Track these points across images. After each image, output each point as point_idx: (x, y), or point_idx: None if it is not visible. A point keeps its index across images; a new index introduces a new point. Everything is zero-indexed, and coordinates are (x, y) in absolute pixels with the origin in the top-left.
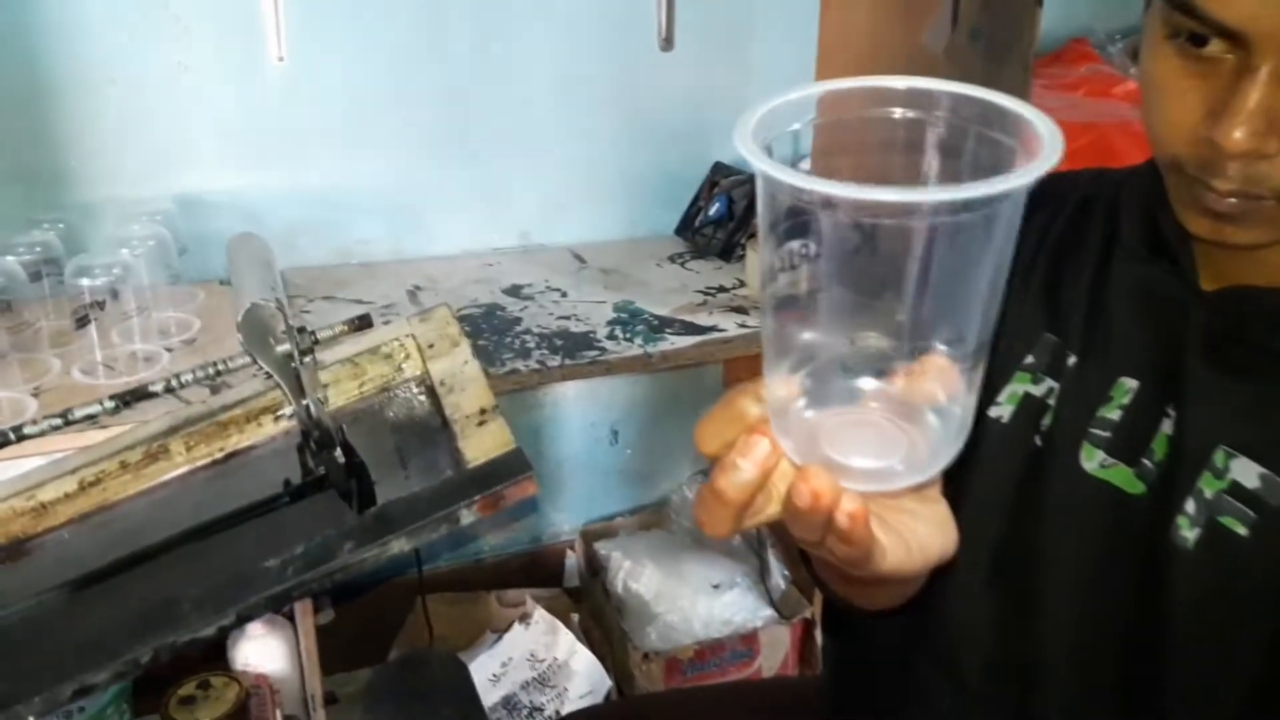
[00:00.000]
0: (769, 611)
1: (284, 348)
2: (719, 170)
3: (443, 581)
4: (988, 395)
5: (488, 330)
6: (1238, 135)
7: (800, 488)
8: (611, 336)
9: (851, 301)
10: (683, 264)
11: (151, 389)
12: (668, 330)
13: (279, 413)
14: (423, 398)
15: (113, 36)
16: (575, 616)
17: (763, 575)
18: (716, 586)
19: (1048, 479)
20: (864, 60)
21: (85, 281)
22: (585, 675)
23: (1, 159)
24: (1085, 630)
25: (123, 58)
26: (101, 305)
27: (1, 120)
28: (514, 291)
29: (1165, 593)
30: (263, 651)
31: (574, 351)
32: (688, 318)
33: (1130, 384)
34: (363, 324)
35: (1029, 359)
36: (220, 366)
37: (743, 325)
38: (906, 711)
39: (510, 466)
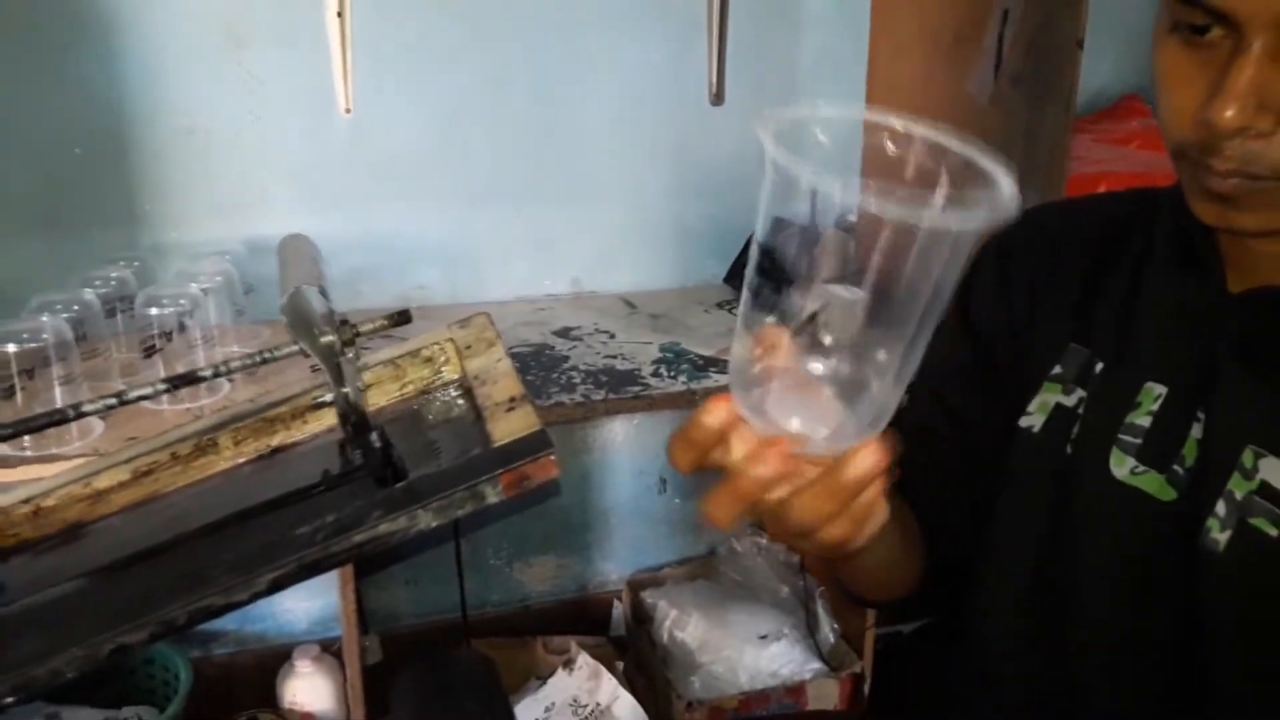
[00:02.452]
0: (818, 664)
1: (327, 338)
2: (772, 225)
3: (489, 626)
4: (1018, 406)
5: (535, 367)
6: (1229, 113)
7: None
8: (656, 374)
9: (812, 287)
10: (730, 309)
11: (200, 373)
12: (711, 369)
13: (318, 398)
14: (460, 400)
15: (190, 88)
16: (620, 665)
17: (811, 629)
18: (764, 637)
19: (1080, 488)
20: (911, 109)
21: (154, 312)
22: None
23: (82, 201)
24: (1124, 639)
25: (198, 108)
26: (169, 337)
27: (83, 165)
28: (564, 333)
29: (1200, 598)
30: (311, 689)
31: (619, 387)
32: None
33: (1159, 389)
34: (402, 319)
35: (1057, 369)
36: (266, 355)
37: None
38: None
39: (533, 445)
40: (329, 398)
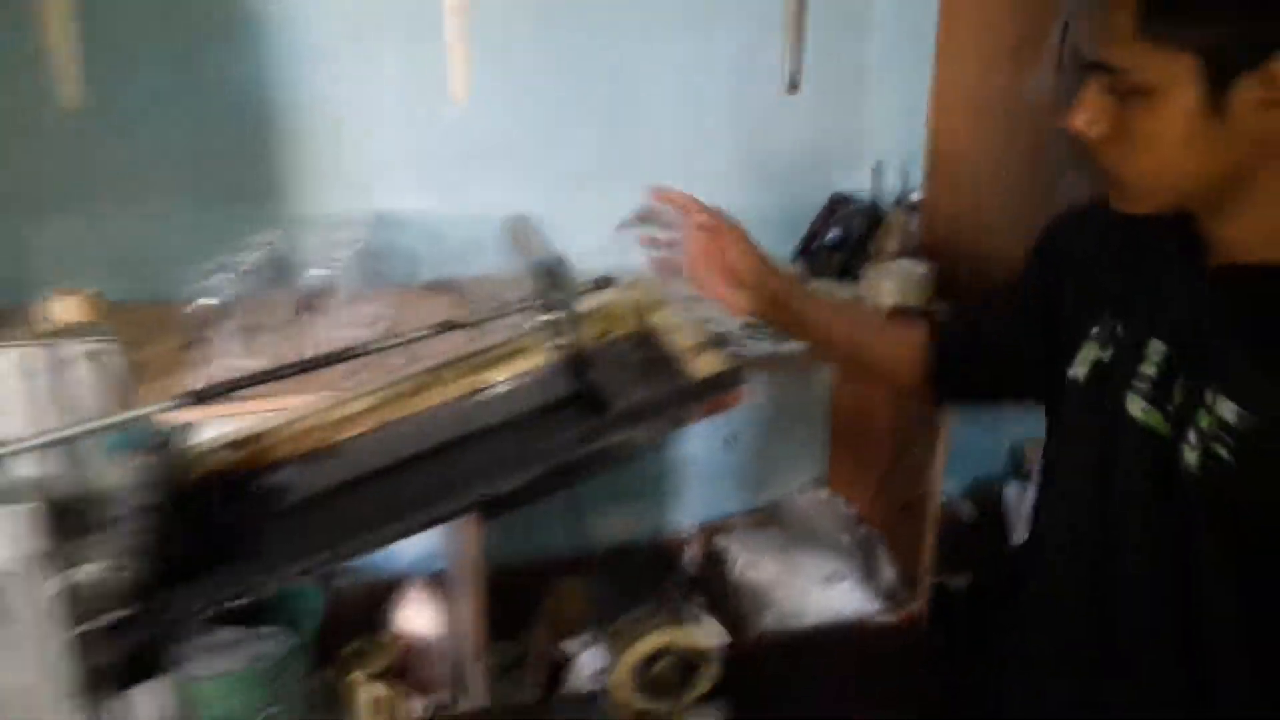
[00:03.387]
0: (878, 604)
1: (542, 258)
2: (837, 200)
3: (569, 568)
4: (1066, 359)
5: None
6: (1076, 121)
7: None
8: (750, 338)
9: None
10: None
11: (418, 334)
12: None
13: (521, 346)
14: (646, 347)
15: (323, 81)
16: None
17: (871, 572)
18: (828, 578)
19: (1110, 425)
20: (972, 104)
21: (304, 278)
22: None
23: (233, 179)
24: (1142, 543)
25: (332, 97)
26: (316, 299)
27: (234, 147)
28: None
29: (1181, 513)
30: (421, 616)
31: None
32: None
33: (1159, 345)
34: (602, 284)
35: (1095, 330)
36: (495, 312)
37: None
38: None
39: (731, 378)
40: (548, 343)
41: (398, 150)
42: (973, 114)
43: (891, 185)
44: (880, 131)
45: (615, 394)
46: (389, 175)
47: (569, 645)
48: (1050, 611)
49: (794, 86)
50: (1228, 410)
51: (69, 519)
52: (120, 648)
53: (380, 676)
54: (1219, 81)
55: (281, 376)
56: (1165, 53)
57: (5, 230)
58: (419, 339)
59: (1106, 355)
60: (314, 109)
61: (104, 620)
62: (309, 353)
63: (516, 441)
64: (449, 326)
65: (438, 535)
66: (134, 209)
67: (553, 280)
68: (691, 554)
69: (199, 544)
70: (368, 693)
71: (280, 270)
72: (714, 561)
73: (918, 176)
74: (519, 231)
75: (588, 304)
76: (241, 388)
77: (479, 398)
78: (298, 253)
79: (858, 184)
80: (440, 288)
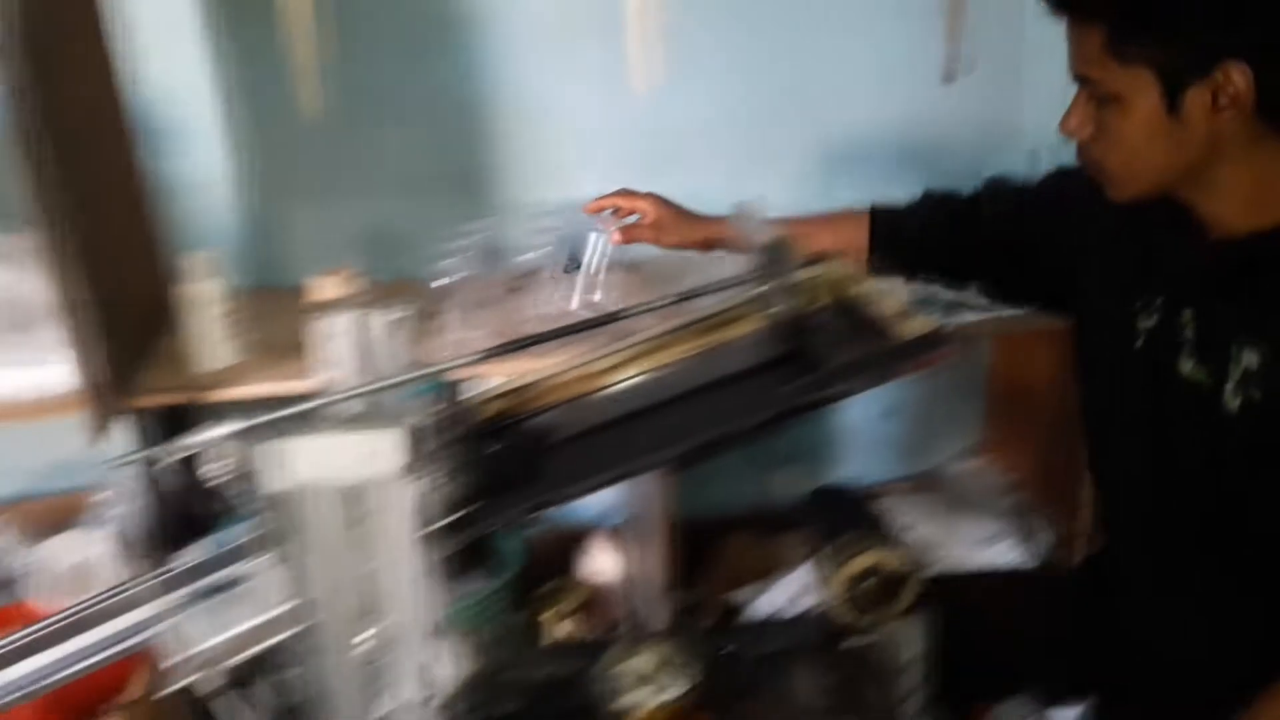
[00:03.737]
0: (1035, 565)
1: (768, 237)
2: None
3: (740, 523)
4: (1124, 331)
5: None
6: (1067, 125)
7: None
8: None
9: None
10: None
11: (666, 300)
12: (962, 308)
13: (741, 313)
14: (848, 314)
15: (526, 78)
16: None
17: (1029, 535)
18: (986, 540)
19: (1165, 382)
20: None
21: (512, 261)
22: None
23: (453, 171)
24: (1196, 491)
25: (534, 94)
26: (524, 281)
27: (453, 143)
28: None
29: (1228, 451)
30: (606, 563)
31: None
32: (972, 301)
33: (1190, 312)
34: (814, 260)
35: (1138, 303)
36: (737, 280)
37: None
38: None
39: (938, 338)
40: (767, 287)
41: (591, 141)
42: None
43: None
44: (1035, 119)
45: (826, 353)
46: (584, 165)
47: (741, 594)
48: (1118, 550)
49: (950, 77)
50: (1250, 358)
51: (419, 443)
52: (455, 543)
53: (570, 616)
54: (1173, 90)
55: (556, 338)
56: (1129, 68)
57: (268, 219)
58: (667, 305)
59: (1152, 323)
60: (519, 105)
61: (445, 521)
62: (521, 328)
63: (745, 391)
64: (690, 295)
65: (622, 490)
66: (372, 199)
67: (775, 255)
68: None
69: (495, 471)
70: (559, 631)
71: (493, 253)
72: None
73: (1069, 161)
74: (745, 214)
75: (799, 276)
76: (526, 347)
77: (709, 356)
78: (507, 238)
79: (1012, 169)
80: (628, 268)
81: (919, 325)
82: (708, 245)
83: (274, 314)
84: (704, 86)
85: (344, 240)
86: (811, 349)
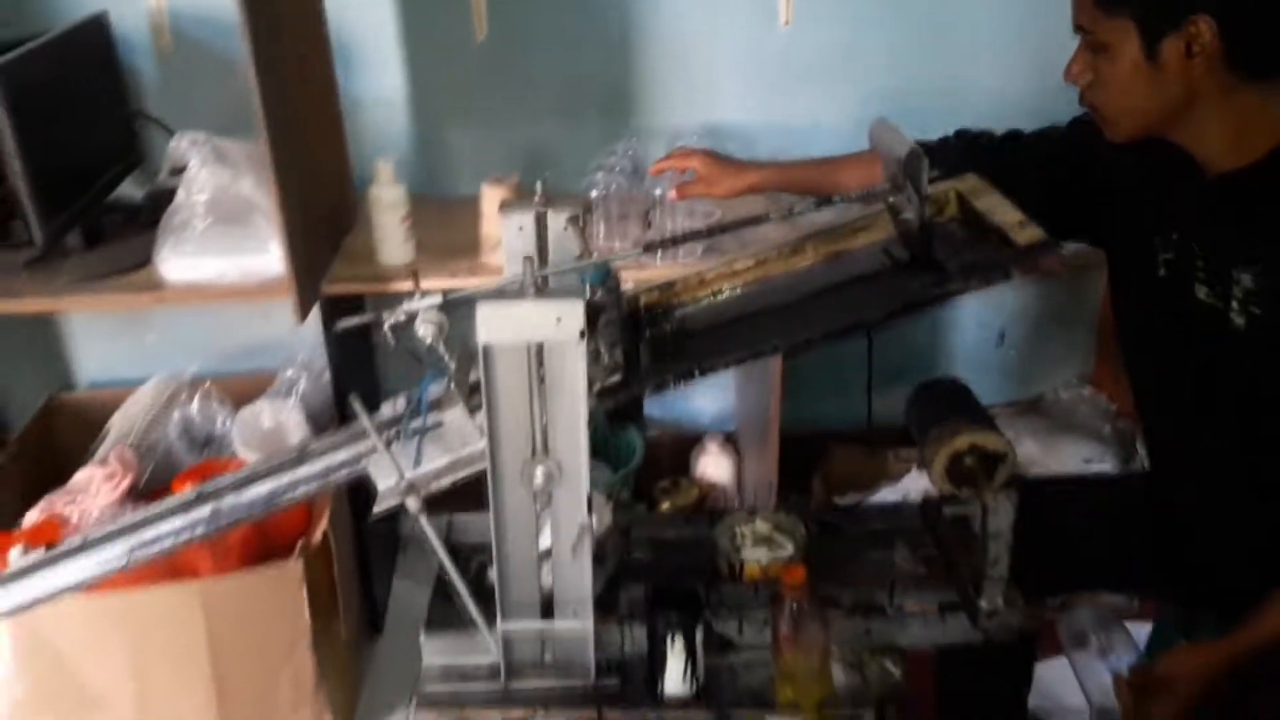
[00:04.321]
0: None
1: (904, 150)
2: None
3: (849, 437)
4: (1149, 263)
5: None
6: (1070, 73)
7: None
8: None
9: None
10: None
11: (769, 216)
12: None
13: (866, 223)
14: (970, 224)
15: (665, 9)
16: None
17: (1127, 460)
18: (1087, 461)
19: (1184, 308)
20: None
21: (647, 185)
22: None
23: (600, 95)
24: (1214, 397)
25: (670, 22)
26: (657, 204)
27: (601, 69)
28: None
29: (1238, 363)
30: (718, 466)
31: None
32: None
33: (1196, 244)
34: (934, 178)
35: (1157, 238)
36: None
37: None
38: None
39: (1049, 246)
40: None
41: (730, 69)
42: None
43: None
44: None
45: (949, 256)
46: (722, 91)
47: (844, 500)
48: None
49: None
50: (1248, 279)
51: (592, 316)
52: (614, 400)
53: (683, 511)
54: (1151, 40)
55: (708, 236)
56: (1113, 19)
57: (436, 134)
58: (802, 214)
59: (1171, 255)
60: (668, 35)
61: (609, 382)
62: (659, 237)
63: (875, 288)
64: (825, 203)
65: (733, 399)
66: (527, 119)
67: (910, 167)
68: None
69: (650, 346)
70: None
71: (637, 172)
72: None
73: None
74: (883, 129)
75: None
76: (680, 244)
77: (840, 260)
78: (650, 158)
79: None
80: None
81: (1033, 234)
82: (754, 189)
83: (442, 221)
84: (844, 19)
85: (502, 156)
86: (937, 253)
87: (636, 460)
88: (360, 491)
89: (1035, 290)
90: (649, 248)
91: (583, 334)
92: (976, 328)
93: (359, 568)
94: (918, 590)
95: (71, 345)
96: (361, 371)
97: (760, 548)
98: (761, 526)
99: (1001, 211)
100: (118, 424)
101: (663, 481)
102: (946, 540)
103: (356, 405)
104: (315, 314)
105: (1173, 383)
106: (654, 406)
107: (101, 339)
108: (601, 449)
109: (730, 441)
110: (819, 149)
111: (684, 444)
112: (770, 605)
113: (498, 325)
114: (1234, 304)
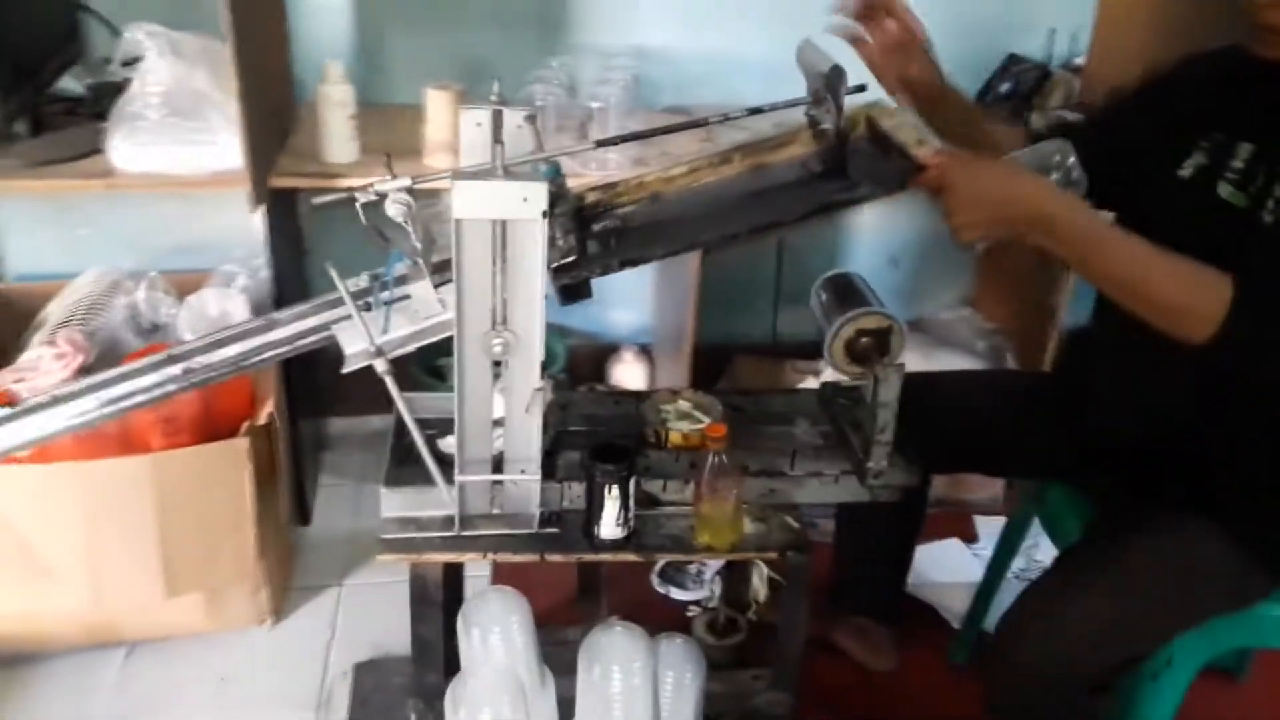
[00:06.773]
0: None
1: (826, 66)
2: (1012, 60)
3: (752, 349)
4: (1175, 163)
5: None
6: None
7: None
8: None
9: None
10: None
11: (711, 119)
12: None
13: (784, 139)
14: (877, 140)
15: None
16: None
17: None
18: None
19: (1203, 205)
20: None
21: (582, 99)
22: None
23: (533, 11)
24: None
25: None
26: (591, 118)
27: None
28: None
29: (1262, 253)
30: (632, 373)
31: None
32: None
33: (1247, 145)
34: (858, 89)
35: (1203, 143)
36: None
37: None
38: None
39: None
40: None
41: None
42: None
43: (1061, 50)
44: (1056, 2)
45: (858, 168)
46: (641, 12)
47: None
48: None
49: None
50: None
51: (551, 201)
52: (567, 278)
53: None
54: None
55: (650, 136)
56: None
57: (376, 41)
58: (736, 118)
59: (1205, 159)
60: None
61: (560, 262)
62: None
63: (794, 194)
64: (755, 111)
65: (649, 314)
66: (465, 29)
67: (830, 82)
68: None
69: (596, 236)
70: None
71: (569, 87)
72: None
73: (1084, 44)
74: (809, 49)
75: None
76: (627, 140)
77: (765, 169)
78: (581, 75)
79: (1032, 47)
80: (679, 111)
81: (927, 151)
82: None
83: (383, 125)
84: None
85: (440, 67)
86: (848, 165)
87: (560, 365)
88: (297, 388)
89: (925, 220)
90: (601, 143)
91: (545, 214)
92: (870, 254)
93: (292, 462)
94: (815, 458)
95: None
96: (294, 273)
97: (683, 421)
98: (683, 404)
99: (904, 131)
100: (55, 312)
101: (581, 387)
102: (840, 417)
103: (332, 273)
104: (260, 211)
105: None
106: (575, 318)
107: (31, 232)
108: None
109: (645, 352)
110: (747, 75)
111: (601, 353)
112: (690, 465)
113: (470, 202)
114: (1269, 203)
